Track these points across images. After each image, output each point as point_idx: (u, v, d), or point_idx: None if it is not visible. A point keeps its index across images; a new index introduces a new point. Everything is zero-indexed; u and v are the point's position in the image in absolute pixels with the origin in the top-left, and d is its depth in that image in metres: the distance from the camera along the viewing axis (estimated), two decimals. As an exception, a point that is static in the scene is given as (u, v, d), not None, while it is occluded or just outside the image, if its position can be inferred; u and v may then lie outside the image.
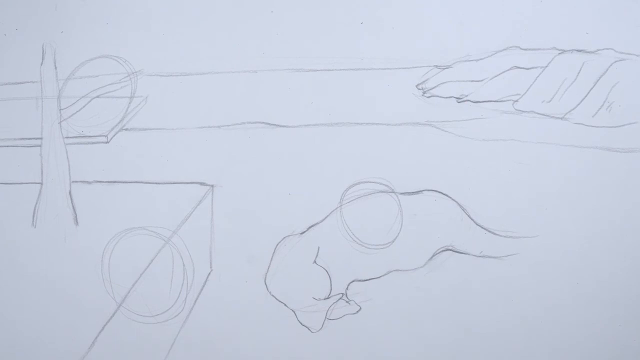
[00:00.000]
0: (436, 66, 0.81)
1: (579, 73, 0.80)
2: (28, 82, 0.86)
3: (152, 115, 0.85)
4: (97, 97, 0.85)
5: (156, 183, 0.84)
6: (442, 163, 0.82)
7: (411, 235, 0.82)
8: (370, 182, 0.82)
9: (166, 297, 0.85)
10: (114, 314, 0.85)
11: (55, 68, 0.85)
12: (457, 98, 0.82)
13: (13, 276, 0.86)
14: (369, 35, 0.82)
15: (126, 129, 0.84)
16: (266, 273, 0.84)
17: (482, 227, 0.82)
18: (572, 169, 0.81)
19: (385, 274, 0.83)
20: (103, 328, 0.85)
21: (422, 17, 0.82)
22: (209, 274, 0.85)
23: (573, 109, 0.80)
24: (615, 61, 0.80)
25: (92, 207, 0.85)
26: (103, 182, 0.85)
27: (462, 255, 0.82)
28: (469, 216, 0.82)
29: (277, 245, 0.83)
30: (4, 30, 0.86)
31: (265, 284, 0.84)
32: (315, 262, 0.83)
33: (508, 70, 0.81)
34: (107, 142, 0.85)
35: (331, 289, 0.83)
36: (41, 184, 0.85)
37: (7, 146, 0.86)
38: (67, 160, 0.85)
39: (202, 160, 0.84)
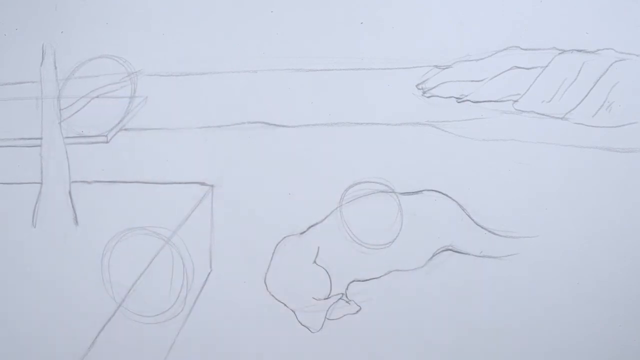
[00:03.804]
0: (436, 66, 0.82)
1: (579, 73, 0.80)
2: (28, 82, 0.86)
3: (152, 115, 0.85)
4: (97, 97, 0.85)
5: (156, 183, 0.85)
6: (442, 163, 0.82)
7: (411, 235, 0.82)
8: (370, 182, 0.82)
9: (166, 297, 0.85)
10: (113, 314, 0.85)
11: (55, 68, 0.85)
12: (457, 98, 0.82)
13: (13, 276, 0.86)
14: (369, 35, 0.82)
15: (126, 129, 0.85)
16: (266, 273, 0.84)
17: (482, 227, 0.82)
18: (572, 169, 0.81)
19: (385, 274, 0.83)
20: (103, 328, 0.85)
21: (422, 17, 0.82)
22: (209, 274, 0.85)
23: (573, 109, 0.80)
24: (615, 61, 0.80)
25: (92, 207, 0.85)
26: (103, 182, 0.85)
27: (462, 255, 0.82)
28: (469, 216, 0.82)
29: (277, 245, 0.83)
30: (4, 30, 0.86)
31: (265, 283, 0.84)
32: (315, 262, 0.83)
33: (508, 70, 0.81)
34: (107, 142, 0.85)
35: (331, 289, 0.83)
36: (41, 184, 0.85)
37: (7, 146, 0.86)
38: (67, 160, 0.85)
39: (202, 160, 0.84)
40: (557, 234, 0.81)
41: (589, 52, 0.80)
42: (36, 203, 0.86)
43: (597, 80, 0.80)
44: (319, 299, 0.84)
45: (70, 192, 0.85)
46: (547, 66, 0.80)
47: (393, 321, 0.83)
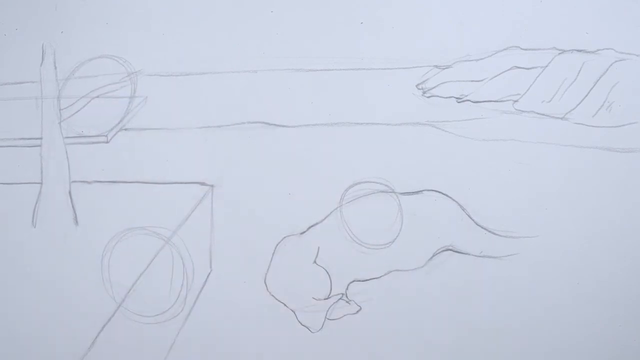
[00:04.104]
0: (436, 66, 0.82)
1: (579, 73, 0.80)
2: (28, 82, 0.86)
3: (152, 115, 0.85)
4: (97, 97, 0.85)
5: (156, 183, 0.85)
6: (442, 163, 0.82)
7: (411, 235, 0.82)
8: (370, 182, 0.82)
9: (166, 297, 0.85)
10: (113, 314, 0.85)
11: (55, 68, 0.85)
12: (457, 98, 0.82)
13: (13, 276, 0.86)
14: (369, 35, 0.82)
15: (126, 129, 0.85)
16: (266, 273, 0.84)
17: (482, 227, 0.82)
18: (572, 169, 0.81)
19: (385, 274, 0.83)
20: (103, 328, 0.85)
21: (422, 17, 0.82)
22: (209, 274, 0.85)
23: (573, 109, 0.80)
24: (615, 61, 0.80)
25: (92, 207, 0.85)
26: (103, 182, 0.85)
27: (462, 255, 0.82)
28: (469, 216, 0.82)
29: (277, 245, 0.83)
30: (4, 30, 0.86)
31: (265, 283, 0.84)
32: (315, 262, 0.83)
33: (508, 70, 0.81)
34: (107, 142, 0.85)
35: (331, 289, 0.83)
36: (41, 184, 0.85)
37: (7, 146, 0.86)
38: (67, 160, 0.85)
39: (202, 160, 0.84)
40: (557, 234, 0.81)
41: (589, 52, 0.80)
42: (36, 203, 0.86)
43: (597, 80, 0.80)
44: (319, 299, 0.84)
45: (70, 192, 0.85)
46: (547, 66, 0.80)
47: (393, 321, 0.83)
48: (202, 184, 0.84)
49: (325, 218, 0.83)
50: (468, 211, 0.82)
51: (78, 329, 0.86)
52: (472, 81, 0.81)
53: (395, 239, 0.82)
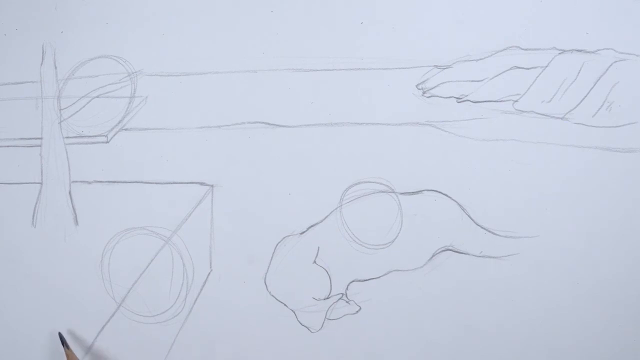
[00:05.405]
0: (436, 66, 0.82)
1: (579, 73, 0.80)
2: (28, 82, 0.86)
3: (152, 115, 0.85)
4: (97, 97, 0.85)
5: (156, 183, 0.85)
6: (442, 163, 0.82)
7: (411, 235, 0.82)
8: (370, 182, 0.82)
9: (166, 297, 0.85)
10: (113, 314, 0.85)
11: (55, 68, 0.85)
12: (457, 98, 0.82)
13: (13, 276, 0.86)
14: (369, 35, 0.82)
15: (126, 129, 0.85)
16: (266, 273, 0.84)
17: (482, 227, 0.82)
18: (572, 169, 0.81)
19: (385, 274, 0.83)
20: (103, 328, 0.85)
21: (422, 17, 0.82)
22: (209, 274, 0.85)
23: (573, 109, 0.80)
24: (615, 61, 0.80)
25: (92, 207, 0.85)
26: (103, 182, 0.85)
27: (462, 255, 0.82)
28: (469, 216, 0.82)
29: (277, 245, 0.83)
30: (4, 30, 0.86)
31: (265, 284, 0.84)
32: (315, 262, 0.83)
33: (508, 70, 0.81)
34: (107, 142, 0.85)
35: (331, 289, 0.83)
36: (41, 184, 0.85)
37: (7, 146, 0.86)
38: (67, 160, 0.85)
39: (202, 160, 0.84)
40: (557, 234, 0.81)
41: (589, 52, 0.80)
42: (36, 203, 0.86)
43: (597, 80, 0.80)
44: (319, 299, 0.84)
45: (70, 192, 0.85)
46: (547, 66, 0.80)
47: (393, 321, 0.83)
48: (202, 184, 0.84)
49: (325, 218, 0.83)
50: (468, 211, 0.82)
51: (78, 329, 0.86)
52: (472, 81, 0.81)
53: (395, 239, 0.82)
